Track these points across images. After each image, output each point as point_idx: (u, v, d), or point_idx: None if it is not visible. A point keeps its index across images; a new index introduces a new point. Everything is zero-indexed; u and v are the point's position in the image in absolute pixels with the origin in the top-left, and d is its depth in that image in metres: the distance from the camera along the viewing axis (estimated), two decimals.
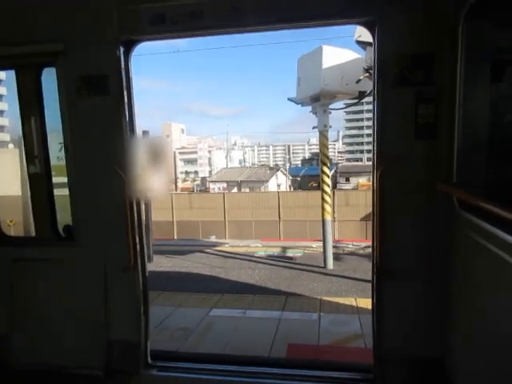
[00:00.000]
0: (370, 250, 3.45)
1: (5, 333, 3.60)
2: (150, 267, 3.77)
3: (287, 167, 64.79)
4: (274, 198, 25.44)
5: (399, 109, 2.93)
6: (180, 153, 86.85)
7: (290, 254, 10.88)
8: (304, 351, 4.41)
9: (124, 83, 3.23)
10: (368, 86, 8.30)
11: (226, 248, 11.98)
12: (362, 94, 8.92)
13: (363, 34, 6.89)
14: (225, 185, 49.90)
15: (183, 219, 25.40)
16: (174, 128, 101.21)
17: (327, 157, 9.71)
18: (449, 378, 2.90)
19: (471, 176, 2.76)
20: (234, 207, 25.82)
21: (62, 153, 3.46)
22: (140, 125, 3.46)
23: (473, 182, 2.76)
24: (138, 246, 3.39)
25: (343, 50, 8.87)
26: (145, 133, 9.78)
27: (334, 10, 2.92)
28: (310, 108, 9.92)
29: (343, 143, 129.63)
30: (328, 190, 9.71)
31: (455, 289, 2.83)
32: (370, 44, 6.10)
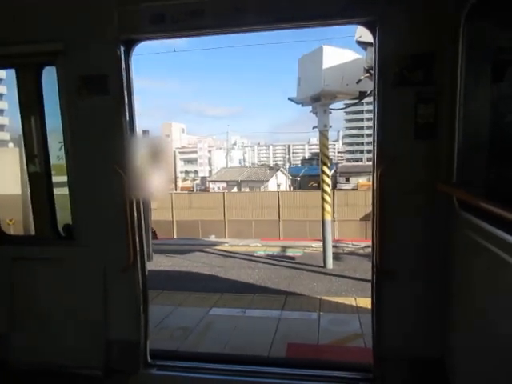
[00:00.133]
0: (369, 249, 3.45)
1: (4, 332, 3.60)
2: (149, 266, 3.77)
3: (287, 167, 64.81)
4: (273, 197, 25.44)
5: (399, 109, 2.93)
6: (180, 152, 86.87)
7: (289, 253, 10.88)
8: (304, 351, 4.41)
9: (124, 83, 3.23)
10: (368, 86, 8.30)
11: (225, 247, 11.98)
12: (362, 94, 8.92)
13: (364, 34, 6.89)
14: (225, 184, 49.90)
15: (183, 219, 25.41)
16: (174, 127, 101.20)
17: (327, 157, 9.70)
18: (448, 377, 2.90)
19: (471, 176, 2.76)
20: (234, 207, 25.83)
21: (62, 152, 3.46)
22: (139, 124, 3.47)
23: (473, 182, 2.76)
24: (137, 245, 3.39)
25: (344, 50, 8.87)
26: (145, 132, 9.79)
27: (334, 10, 2.92)
28: (310, 108, 9.93)
29: (343, 143, 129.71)
30: (328, 189, 9.70)
31: (455, 289, 2.83)
32: (370, 44, 6.09)
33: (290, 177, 54.76)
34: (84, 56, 3.20)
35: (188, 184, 61.94)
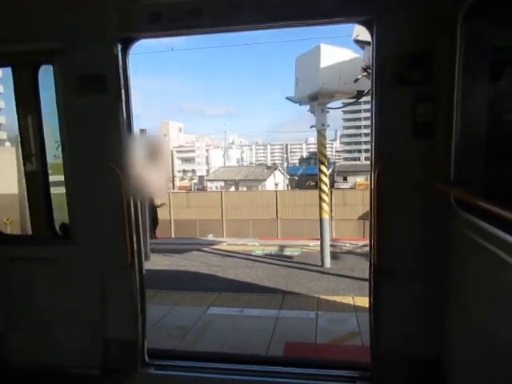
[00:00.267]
0: (367, 248, 3.46)
1: (1, 331, 3.59)
2: (147, 266, 3.76)
3: (285, 166, 64.86)
4: (271, 196, 25.43)
5: (397, 108, 2.93)
6: (177, 151, 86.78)
7: (287, 252, 10.88)
8: (301, 349, 4.41)
9: (121, 81, 3.22)
10: (366, 85, 8.30)
11: (223, 246, 11.97)
12: (360, 94, 8.92)
13: (361, 33, 6.89)
14: (222, 183, 49.92)
15: (181, 218, 25.36)
16: (171, 126, 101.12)
17: (325, 156, 9.71)
18: (446, 376, 2.91)
19: (469, 175, 2.77)
20: (232, 206, 25.80)
21: (59, 151, 3.45)
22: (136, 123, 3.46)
23: (470, 181, 2.77)
24: (134, 244, 3.38)
25: (341, 49, 8.87)
26: (142, 131, 9.78)
27: (332, 9, 2.92)
28: (307, 107, 9.93)
29: (341, 142, 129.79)
30: (326, 188, 9.71)
31: (453, 288, 2.83)
32: (368, 43, 6.10)
33: (288, 176, 54.82)
34: (81, 54, 3.19)
35: (186, 183, 61.89)
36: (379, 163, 2.97)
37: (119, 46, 3.19)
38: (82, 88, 3.21)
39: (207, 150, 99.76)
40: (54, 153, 3.62)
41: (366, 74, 8.00)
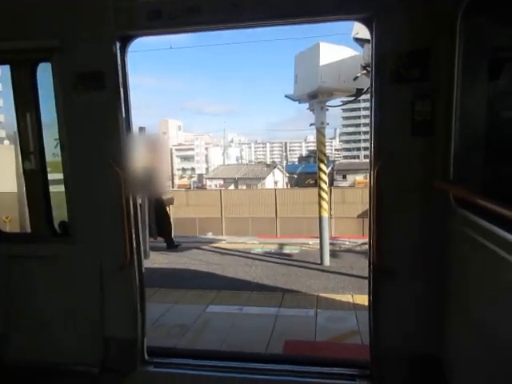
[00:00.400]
0: (366, 246, 3.46)
1: (0, 330, 3.59)
2: (146, 264, 3.76)
3: (284, 164, 64.89)
4: (270, 195, 25.42)
5: (397, 106, 2.93)
6: (177, 149, 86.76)
7: (286, 250, 10.86)
8: (301, 347, 4.42)
9: (120, 79, 3.21)
10: (365, 83, 8.28)
11: (222, 245, 11.95)
12: (359, 92, 8.90)
13: (360, 30, 6.87)
14: (221, 182, 49.89)
15: (180, 216, 25.35)
16: (170, 125, 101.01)
17: (324, 154, 9.68)
18: (445, 375, 2.91)
19: (468, 173, 2.77)
20: (231, 204, 25.79)
21: (58, 149, 3.44)
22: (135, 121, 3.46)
23: (469, 179, 2.77)
24: (134, 243, 3.38)
25: (340, 46, 8.85)
26: (141, 129, 9.75)
27: (331, 6, 2.91)
28: (307, 105, 9.91)
29: (340, 140, 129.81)
30: (325, 187, 9.69)
31: (452, 286, 2.83)
32: (367, 41, 6.08)
33: (287, 174, 54.78)
34: (80, 52, 3.18)
35: (185, 181, 61.86)
36: (378, 161, 2.97)
37: (118, 44, 3.18)
38: (80, 86, 3.20)
39: (206, 148, 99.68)
40: (52, 151, 3.61)
41: (365, 72, 7.98)
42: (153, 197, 10.58)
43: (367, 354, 3.28)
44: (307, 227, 19.84)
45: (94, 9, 3.13)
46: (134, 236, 3.38)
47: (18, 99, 3.58)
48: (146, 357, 3.55)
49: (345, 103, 11.79)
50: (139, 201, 3.55)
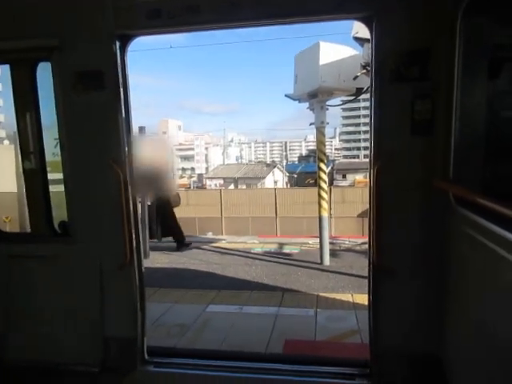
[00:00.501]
0: (366, 246, 3.46)
1: (0, 330, 3.59)
2: (146, 264, 3.76)
3: (284, 164, 64.88)
4: (270, 194, 25.42)
5: (396, 105, 2.93)
6: (177, 149, 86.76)
7: (286, 250, 10.86)
8: (301, 347, 4.42)
9: (120, 78, 3.21)
10: (365, 82, 8.28)
11: (222, 244, 11.95)
12: (359, 91, 8.89)
13: (360, 30, 6.87)
14: (221, 181, 49.93)
15: (180, 216, 25.34)
16: (170, 124, 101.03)
17: (324, 153, 9.68)
18: (445, 374, 2.92)
19: (468, 172, 2.77)
20: (231, 204, 25.79)
21: (58, 149, 3.44)
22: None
23: (469, 178, 2.77)
24: (134, 242, 3.38)
25: (340, 46, 8.84)
26: (141, 129, 9.74)
27: (331, 5, 2.91)
28: (307, 104, 9.90)
29: (340, 140, 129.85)
30: (325, 186, 9.68)
31: (452, 285, 2.84)
32: (367, 40, 6.08)
33: (287, 174, 54.83)
34: (79, 52, 3.18)
35: (185, 181, 61.83)
36: (378, 161, 2.97)
37: (117, 43, 3.17)
38: (80, 85, 3.20)
39: (206, 148, 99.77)
40: (52, 150, 3.61)
41: (365, 71, 7.98)
42: (157, 197, 10.50)
43: (367, 353, 3.28)
44: (307, 227, 19.85)
45: (93, 8, 3.13)
46: (133, 236, 3.38)
47: (18, 99, 3.58)
48: (146, 356, 3.55)
49: (345, 102, 11.80)
50: (139, 199, 3.54)
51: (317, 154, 9.78)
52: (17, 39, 3.21)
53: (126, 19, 3.12)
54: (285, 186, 47.26)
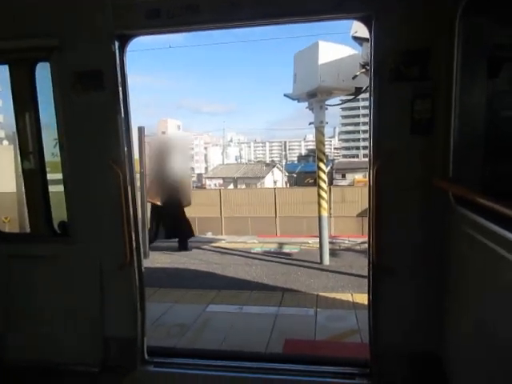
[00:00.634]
0: (366, 245, 3.46)
1: (0, 330, 3.59)
2: (146, 264, 3.76)
3: (283, 164, 64.83)
4: (270, 194, 25.42)
5: (396, 104, 2.93)
6: None
7: (286, 250, 10.86)
8: (301, 347, 4.42)
9: (119, 78, 3.20)
10: (364, 81, 8.28)
11: (222, 244, 11.95)
12: (358, 90, 8.90)
13: (359, 29, 6.87)
14: (221, 181, 49.92)
15: None
16: (169, 124, 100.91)
17: (323, 153, 9.68)
18: (445, 373, 2.92)
19: (467, 171, 2.77)
20: (231, 203, 25.78)
21: (57, 149, 3.43)
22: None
23: (469, 177, 2.77)
24: (133, 242, 3.38)
25: (339, 45, 8.84)
26: (140, 128, 9.74)
27: (330, 5, 2.91)
28: (306, 104, 9.90)
29: (339, 139, 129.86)
30: (324, 186, 9.69)
31: (451, 284, 2.84)
32: (366, 40, 6.08)
33: (287, 173, 54.84)
34: (79, 52, 3.17)
35: None
36: (378, 160, 2.97)
37: (117, 43, 3.17)
38: (79, 85, 3.20)
39: (206, 148, 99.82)
40: (51, 151, 3.61)
41: (364, 70, 7.98)
42: (169, 198, 10.46)
43: (367, 353, 3.28)
44: (307, 226, 19.85)
45: (93, 8, 3.12)
46: (133, 236, 3.38)
47: (17, 99, 3.57)
48: (146, 356, 3.55)
49: (344, 102, 11.79)
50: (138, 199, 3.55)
51: (316, 154, 9.79)
52: (16, 39, 3.20)
53: (125, 19, 3.11)
54: (284, 186, 47.25)
